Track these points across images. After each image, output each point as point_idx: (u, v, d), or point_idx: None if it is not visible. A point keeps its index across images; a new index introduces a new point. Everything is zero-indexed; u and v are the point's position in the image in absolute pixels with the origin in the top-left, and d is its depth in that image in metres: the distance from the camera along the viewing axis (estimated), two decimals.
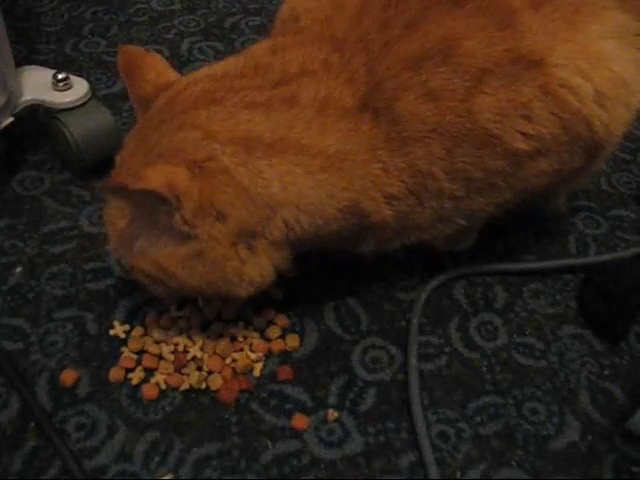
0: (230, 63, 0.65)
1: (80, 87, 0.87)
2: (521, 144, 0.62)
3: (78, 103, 0.86)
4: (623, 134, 0.69)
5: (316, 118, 0.60)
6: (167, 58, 1.07)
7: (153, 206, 0.58)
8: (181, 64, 1.10)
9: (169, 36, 1.16)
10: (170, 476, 0.62)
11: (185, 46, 1.14)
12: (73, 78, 0.87)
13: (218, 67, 0.66)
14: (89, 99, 0.87)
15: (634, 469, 0.65)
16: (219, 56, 1.13)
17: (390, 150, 0.62)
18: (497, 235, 0.85)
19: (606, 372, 0.73)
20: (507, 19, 0.61)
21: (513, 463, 0.65)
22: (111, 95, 1.02)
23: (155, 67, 0.68)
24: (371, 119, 0.61)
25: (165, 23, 1.19)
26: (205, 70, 0.66)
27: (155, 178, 0.55)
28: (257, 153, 0.59)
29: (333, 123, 0.60)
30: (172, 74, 0.68)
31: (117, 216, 0.63)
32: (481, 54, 0.60)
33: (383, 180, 0.63)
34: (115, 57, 1.08)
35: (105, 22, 1.18)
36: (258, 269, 0.62)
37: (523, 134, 0.62)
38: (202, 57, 1.12)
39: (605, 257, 0.83)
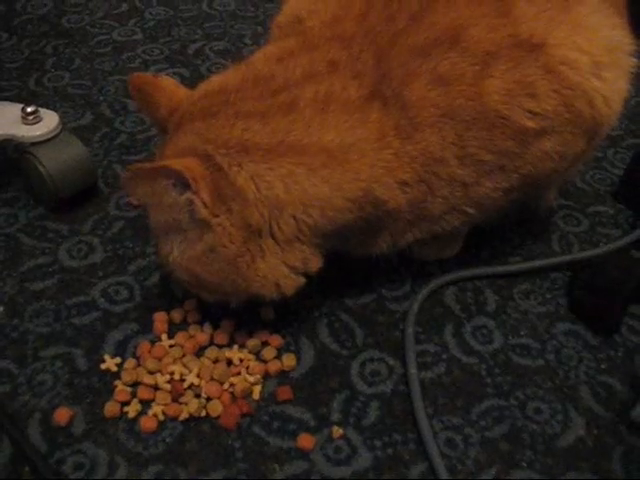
0: (229, 76, 0.67)
1: (50, 120, 0.85)
2: (529, 122, 0.65)
3: (49, 136, 0.84)
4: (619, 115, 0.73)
5: (316, 117, 0.62)
6: None
7: (175, 199, 0.60)
8: None
9: (134, 65, 1.15)
10: None
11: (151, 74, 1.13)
12: (42, 111, 0.85)
13: (217, 81, 0.67)
14: (60, 131, 0.85)
15: None
16: (185, 82, 1.12)
17: (401, 137, 0.63)
18: (482, 240, 0.85)
19: (603, 366, 0.73)
20: (504, 7, 0.65)
21: (523, 464, 0.64)
22: (80, 127, 1.00)
23: (165, 91, 0.69)
24: (380, 108, 0.63)
25: (129, 53, 1.18)
26: (203, 86, 0.68)
27: (173, 163, 0.59)
28: (254, 157, 0.61)
29: (335, 118, 0.62)
30: (182, 92, 0.70)
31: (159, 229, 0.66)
32: (486, 39, 0.64)
33: (395, 165, 0.64)
34: (81, 89, 1.08)
35: (67, 55, 1.17)
36: (270, 268, 0.64)
37: (530, 112, 0.65)
38: None
39: (596, 251, 0.84)
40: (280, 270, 0.65)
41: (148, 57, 1.18)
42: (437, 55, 0.63)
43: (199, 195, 0.59)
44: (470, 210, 0.71)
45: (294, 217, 0.63)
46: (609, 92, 0.69)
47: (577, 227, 0.90)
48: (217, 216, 0.61)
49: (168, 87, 0.70)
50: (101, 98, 1.07)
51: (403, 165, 0.64)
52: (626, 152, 1.04)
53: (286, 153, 0.61)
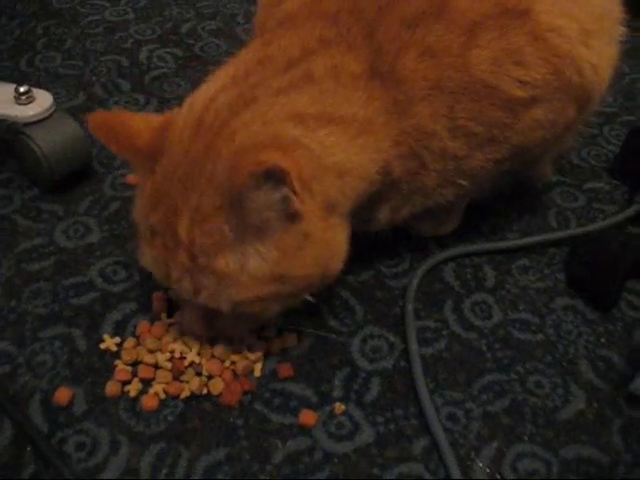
0: (228, 72, 0.64)
1: (43, 99, 0.84)
2: (517, 91, 0.64)
3: (43, 116, 0.83)
4: (609, 83, 0.73)
5: (337, 88, 0.61)
6: (127, 67, 1.08)
7: (266, 199, 0.55)
8: (142, 72, 1.08)
9: (126, 45, 1.14)
10: None
11: (144, 54, 1.12)
12: (35, 91, 0.84)
13: (220, 79, 0.64)
14: (54, 111, 0.84)
15: None
16: (179, 62, 1.11)
17: (399, 113, 0.63)
18: (480, 216, 0.85)
19: (602, 340, 0.73)
20: None
21: (525, 437, 0.64)
22: (73, 108, 0.99)
23: (131, 120, 0.63)
24: (380, 86, 0.62)
25: (121, 33, 1.17)
26: (206, 90, 0.63)
27: (263, 160, 0.52)
28: (311, 125, 0.59)
29: (352, 93, 0.61)
30: (153, 117, 0.64)
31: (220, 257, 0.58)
32: (472, 10, 0.63)
33: (399, 140, 0.64)
34: (73, 70, 1.07)
35: (58, 36, 1.15)
36: (343, 242, 0.63)
37: (519, 81, 0.64)
38: (162, 64, 1.10)
39: (593, 227, 0.84)
40: (345, 244, 0.63)
41: (140, 37, 1.16)
42: (424, 27, 0.63)
43: (292, 188, 0.54)
44: (463, 182, 0.70)
45: (351, 188, 0.62)
46: (597, 60, 0.69)
47: (574, 203, 0.90)
48: (304, 202, 0.56)
49: (132, 118, 0.63)
50: (94, 78, 1.06)
51: (401, 139, 0.64)
52: (621, 129, 1.03)
53: (330, 120, 0.60)
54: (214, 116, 0.60)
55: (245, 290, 0.58)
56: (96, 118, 0.63)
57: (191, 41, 1.16)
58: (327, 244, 0.61)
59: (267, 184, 0.53)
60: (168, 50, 1.14)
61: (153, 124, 0.63)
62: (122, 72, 1.08)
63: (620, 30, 0.73)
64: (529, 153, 0.73)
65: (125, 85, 1.05)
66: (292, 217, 0.57)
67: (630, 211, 0.86)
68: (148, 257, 0.62)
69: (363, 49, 0.63)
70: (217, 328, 0.66)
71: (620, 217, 0.84)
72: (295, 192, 0.54)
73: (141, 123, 0.63)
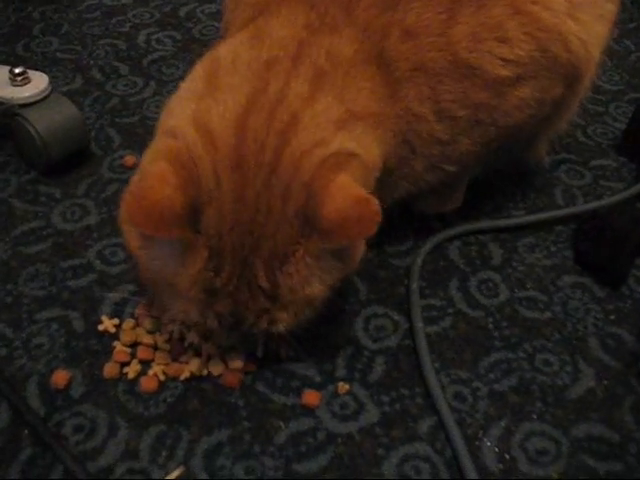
0: (234, 84, 0.57)
1: (39, 81, 0.82)
2: (501, 70, 0.62)
3: (39, 97, 0.81)
4: (600, 61, 0.71)
5: (346, 80, 0.58)
6: (124, 51, 1.07)
7: None
8: (140, 55, 1.06)
9: (124, 30, 1.12)
10: (181, 469, 0.58)
11: (142, 38, 1.11)
12: (31, 72, 0.83)
13: (229, 94, 0.56)
14: (50, 92, 0.83)
15: None
16: (178, 45, 1.09)
17: (391, 96, 0.61)
18: (484, 194, 0.84)
19: (612, 317, 0.72)
20: None
21: (534, 416, 0.63)
22: (71, 91, 0.98)
23: (160, 191, 0.51)
24: (376, 71, 0.60)
25: (119, 17, 1.15)
26: (224, 112, 0.55)
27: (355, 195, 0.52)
28: (349, 127, 0.57)
29: (360, 83, 0.59)
30: (162, 165, 0.52)
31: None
32: None
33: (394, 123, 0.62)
34: (70, 54, 1.06)
35: (55, 21, 1.13)
36: None
37: (502, 60, 0.61)
38: (160, 47, 1.09)
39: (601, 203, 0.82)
40: None
41: (138, 21, 1.15)
42: (403, 6, 0.60)
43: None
44: (450, 168, 0.68)
45: (372, 184, 0.60)
46: (586, 35, 0.65)
47: (580, 180, 0.88)
48: None
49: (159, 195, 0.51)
50: (91, 62, 1.04)
51: (397, 127, 0.62)
52: (627, 106, 1.02)
53: (357, 119, 0.58)
54: (257, 152, 0.54)
55: (319, 302, 0.58)
56: (132, 210, 0.51)
57: (190, 24, 1.15)
58: None
59: (357, 232, 0.53)
60: (167, 33, 1.12)
61: (169, 178, 0.51)
62: (120, 55, 1.06)
63: (611, 7, 0.70)
64: (518, 134, 0.71)
65: (123, 68, 1.03)
66: None
67: (637, 188, 0.84)
68: (204, 314, 0.56)
69: (348, 29, 0.60)
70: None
71: (629, 193, 0.82)
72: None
73: (163, 188, 0.51)
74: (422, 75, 0.61)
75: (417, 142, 0.64)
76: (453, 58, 0.61)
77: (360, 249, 0.59)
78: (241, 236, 0.53)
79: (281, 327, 0.57)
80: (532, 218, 0.80)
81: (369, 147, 0.59)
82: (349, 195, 0.51)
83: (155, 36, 1.11)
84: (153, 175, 0.52)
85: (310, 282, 0.55)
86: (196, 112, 0.56)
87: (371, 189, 0.59)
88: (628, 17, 1.23)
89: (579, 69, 0.68)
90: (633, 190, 0.83)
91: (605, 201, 0.82)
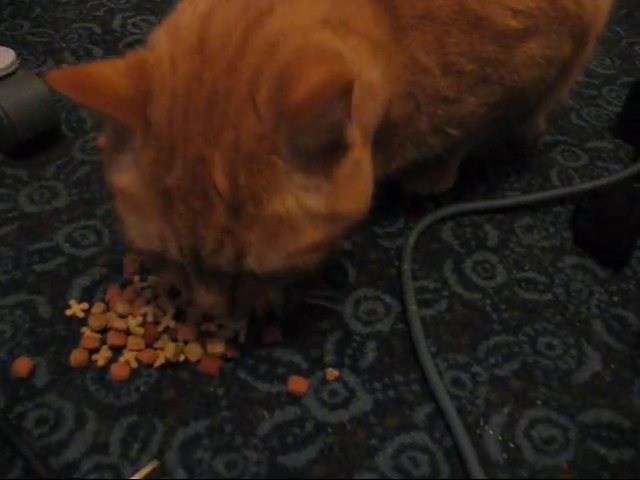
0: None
1: (5, 56, 0.77)
2: (510, 21, 0.59)
3: (4, 73, 0.76)
4: (607, 20, 0.69)
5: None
6: (99, 35, 1.02)
7: (327, 116, 0.45)
8: (115, 39, 1.02)
9: (99, 13, 1.08)
10: (154, 464, 0.53)
11: (117, 22, 1.06)
12: None
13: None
14: (17, 69, 0.78)
15: None
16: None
17: (397, 42, 0.57)
18: (478, 176, 0.80)
19: (615, 299, 0.68)
20: None
21: (538, 402, 0.58)
22: (42, 74, 0.92)
23: (96, 69, 0.49)
24: (384, 11, 0.56)
25: (93, 2, 1.10)
26: (190, 14, 0.51)
27: (328, 70, 0.44)
28: (339, 31, 0.51)
29: (362, 8, 0.55)
30: (117, 61, 0.50)
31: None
32: None
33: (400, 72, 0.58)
34: (41, 37, 1.01)
35: (26, 4, 1.08)
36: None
37: (512, 10, 0.59)
38: (137, 31, 1.04)
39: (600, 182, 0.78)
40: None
41: (113, 5, 1.10)
42: None
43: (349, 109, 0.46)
44: (453, 131, 0.65)
45: (375, 113, 0.56)
46: None
47: (576, 162, 0.85)
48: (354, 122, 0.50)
49: (95, 70, 0.49)
50: (64, 45, 0.99)
51: (400, 73, 0.58)
52: (621, 90, 0.99)
53: (351, 31, 0.53)
54: (223, 35, 0.48)
55: (302, 236, 0.49)
56: (57, 74, 0.48)
57: (167, 7, 1.10)
58: (369, 174, 0.53)
59: (332, 97, 0.44)
60: (143, 17, 1.07)
61: (120, 68, 0.49)
62: (94, 39, 1.01)
63: None
64: (523, 97, 0.67)
65: (97, 51, 0.99)
66: (346, 139, 0.49)
67: (637, 167, 0.80)
68: (163, 235, 0.49)
69: None
70: (240, 303, 0.55)
71: (627, 172, 0.79)
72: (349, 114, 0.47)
73: (107, 69, 0.49)
74: (429, 24, 0.57)
75: (422, 98, 0.60)
76: (460, 8, 0.57)
77: (352, 171, 0.51)
78: (196, 125, 0.47)
79: (252, 263, 0.48)
80: (531, 197, 0.76)
81: (368, 68, 0.54)
82: (326, 71, 0.44)
83: (131, 20, 1.06)
84: (105, 63, 0.49)
85: (279, 192, 0.47)
86: (170, 18, 0.53)
87: (374, 124, 0.55)
88: (618, 3, 1.20)
89: (588, 25, 0.65)
90: (632, 170, 0.79)
91: (605, 179, 0.78)
